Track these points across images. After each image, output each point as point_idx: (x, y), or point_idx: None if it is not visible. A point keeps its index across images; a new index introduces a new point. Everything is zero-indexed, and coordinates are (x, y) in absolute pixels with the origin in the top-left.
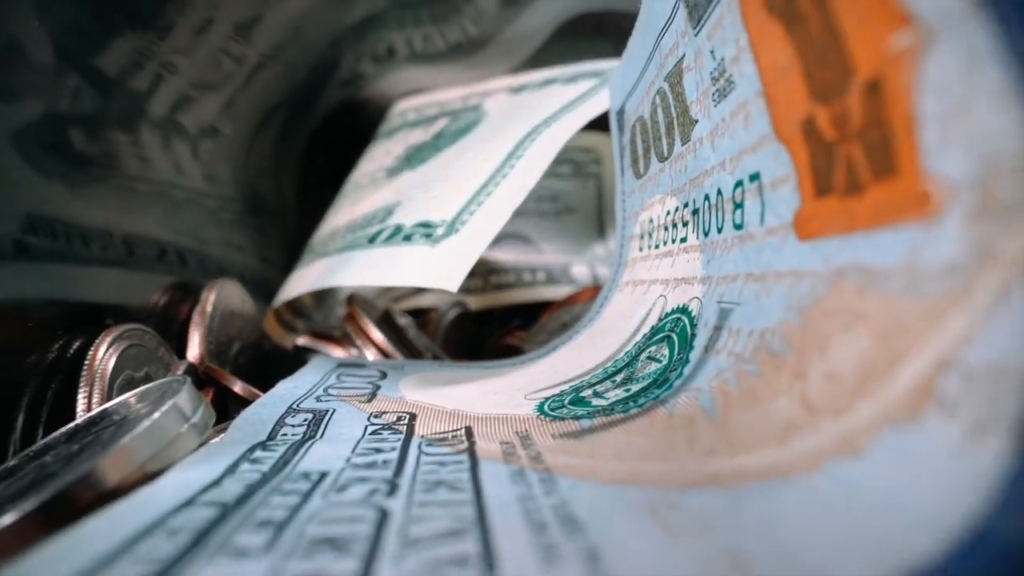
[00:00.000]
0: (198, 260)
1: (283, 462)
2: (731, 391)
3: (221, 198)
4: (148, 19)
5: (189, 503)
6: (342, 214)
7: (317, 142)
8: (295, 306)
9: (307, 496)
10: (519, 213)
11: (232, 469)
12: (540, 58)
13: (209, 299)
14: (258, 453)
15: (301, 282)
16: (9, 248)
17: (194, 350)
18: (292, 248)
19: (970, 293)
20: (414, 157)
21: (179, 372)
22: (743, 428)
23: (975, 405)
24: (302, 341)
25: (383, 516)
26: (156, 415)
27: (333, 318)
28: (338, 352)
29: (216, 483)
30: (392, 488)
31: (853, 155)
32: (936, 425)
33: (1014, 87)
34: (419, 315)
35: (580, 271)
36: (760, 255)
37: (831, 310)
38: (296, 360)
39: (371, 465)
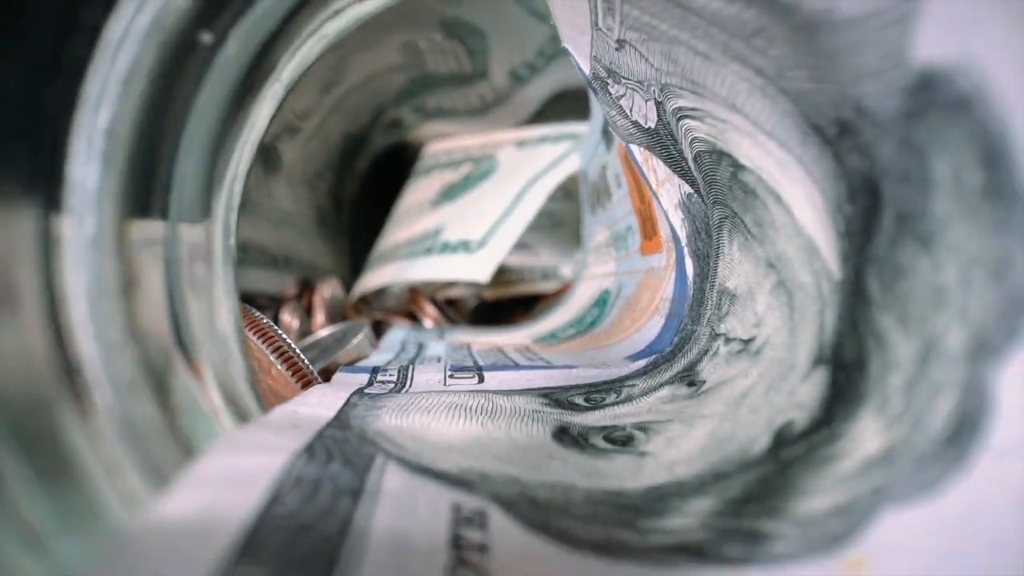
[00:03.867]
0: (297, 263)
1: (416, 354)
2: (615, 320)
3: (302, 216)
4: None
5: (390, 361)
6: (399, 232)
7: (367, 173)
8: (363, 297)
9: (440, 358)
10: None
11: (397, 356)
12: (540, 114)
13: (325, 288)
14: (401, 352)
15: (375, 279)
16: None
17: (320, 318)
18: (353, 255)
19: (667, 271)
20: (450, 193)
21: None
22: (614, 332)
23: (656, 309)
24: (379, 316)
25: (474, 358)
26: (360, 335)
27: (387, 305)
28: (404, 323)
29: (396, 357)
30: (471, 356)
31: (647, 225)
32: (655, 317)
33: (665, 213)
34: (449, 303)
35: (566, 271)
36: (631, 263)
37: (644, 285)
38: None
39: (456, 354)
